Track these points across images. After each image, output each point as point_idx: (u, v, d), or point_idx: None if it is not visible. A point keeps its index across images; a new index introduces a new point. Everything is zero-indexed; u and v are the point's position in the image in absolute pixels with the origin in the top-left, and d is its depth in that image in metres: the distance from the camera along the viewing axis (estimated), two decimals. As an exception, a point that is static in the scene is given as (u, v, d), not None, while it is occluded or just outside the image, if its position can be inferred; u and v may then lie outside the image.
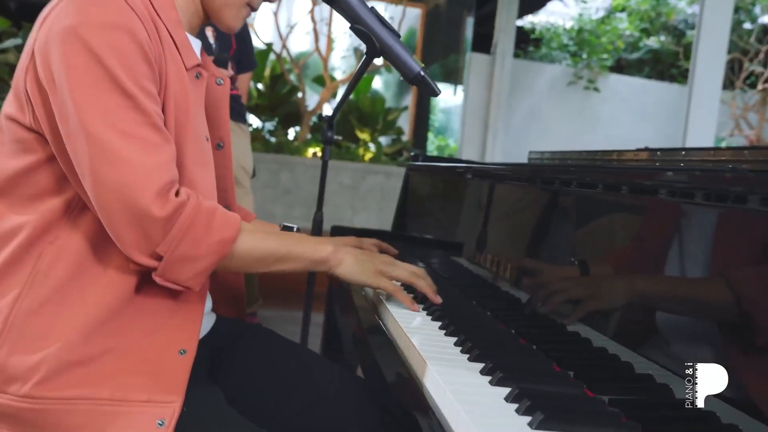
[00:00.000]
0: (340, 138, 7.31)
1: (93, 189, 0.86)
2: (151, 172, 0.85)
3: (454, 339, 0.88)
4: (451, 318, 0.96)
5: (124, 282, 0.91)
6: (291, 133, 7.43)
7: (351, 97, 7.89)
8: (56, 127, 0.89)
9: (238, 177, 2.62)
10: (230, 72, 2.24)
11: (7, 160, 0.94)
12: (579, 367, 0.79)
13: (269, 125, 7.52)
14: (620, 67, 8.63)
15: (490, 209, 1.39)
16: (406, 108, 7.73)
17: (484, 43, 7.47)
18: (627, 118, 7.65)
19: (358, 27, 1.01)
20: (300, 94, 7.04)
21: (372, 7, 1.04)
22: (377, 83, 8.56)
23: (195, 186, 0.97)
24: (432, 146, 9.43)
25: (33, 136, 0.93)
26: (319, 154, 6.42)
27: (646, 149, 2.05)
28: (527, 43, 8.70)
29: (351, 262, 1.00)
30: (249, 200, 2.72)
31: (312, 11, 6.55)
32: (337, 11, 1.03)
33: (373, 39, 1.01)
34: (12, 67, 2.58)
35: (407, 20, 7.64)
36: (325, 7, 6.74)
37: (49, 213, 0.92)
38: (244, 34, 2.66)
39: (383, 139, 7.71)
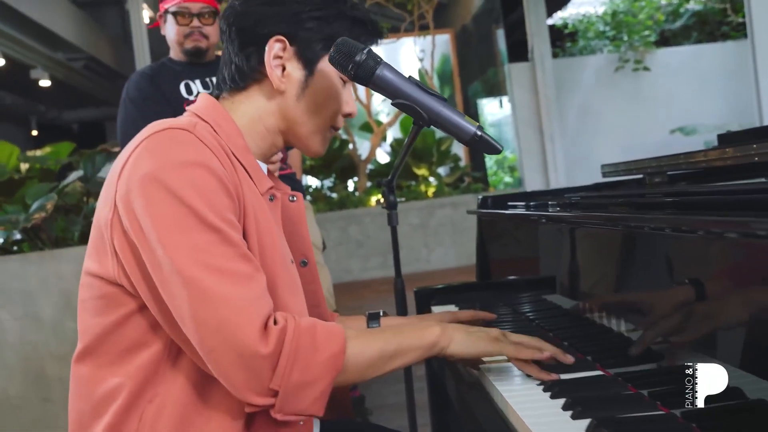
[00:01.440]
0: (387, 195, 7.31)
1: (196, 333, 0.83)
2: (251, 306, 0.83)
3: (585, 423, 0.78)
4: (574, 395, 0.86)
5: (232, 425, 0.87)
6: (350, 185, 7.48)
7: (400, 135, 7.90)
8: (149, 277, 0.87)
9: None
10: (279, 155, 2.24)
11: (93, 319, 0.93)
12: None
13: (327, 182, 7.60)
14: (665, 39, 8.29)
15: (575, 249, 1.30)
16: (456, 134, 7.64)
17: (519, 51, 7.34)
18: (685, 89, 7.29)
19: (401, 102, 0.95)
20: (351, 146, 7.10)
21: (410, 76, 0.97)
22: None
23: (288, 312, 0.93)
24: (490, 161, 9.29)
25: (118, 290, 0.91)
26: (382, 200, 6.40)
27: (728, 135, 1.88)
28: (562, 40, 8.50)
29: (463, 337, 0.94)
30: (325, 273, 2.68)
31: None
32: (375, 90, 0.97)
33: (419, 110, 0.95)
34: (79, 195, 2.68)
35: (438, 47, 7.62)
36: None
37: (144, 368, 0.89)
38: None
39: (441, 170, 7.65)
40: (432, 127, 0.97)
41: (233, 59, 1.03)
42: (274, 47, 0.98)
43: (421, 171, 7.29)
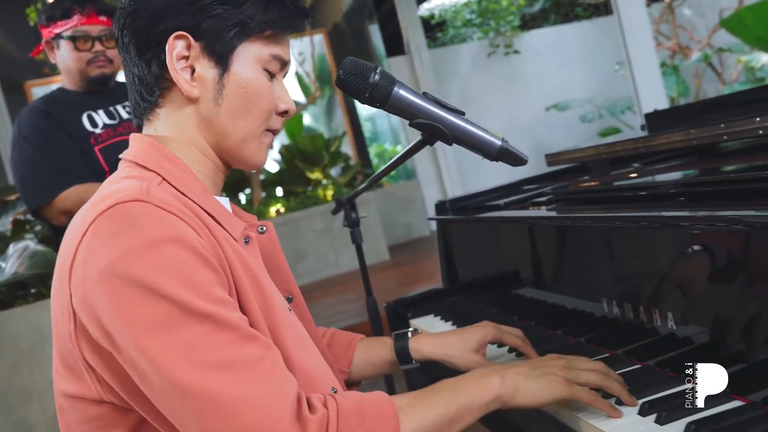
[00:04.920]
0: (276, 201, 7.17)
1: None
2: (273, 398, 0.69)
3: (680, 427, 0.77)
4: (657, 404, 0.84)
5: None
6: (242, 198, 7.23)
7: (288, 141, 7.74)
8: (139, 389, 0.72)
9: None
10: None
11: None
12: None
13: (219, 198, 7.29)
14: (526, 22, 8.73)
15: (535, 243, 1.33)
16: (344, 134, 7.62)
17: (395, 44, 7.43)
18: (554, 68, 7.73)
19: (421, 121, 0.89)
20: (239, 158, 6.85)
21: (425, 93, 0.91)
22: (307, 119, 8.43)
23: (308, 374, 0.83)
24: (371, 154, 9.35)
25: (108, 409, 0.76)
26: (282, 210, 6.24)
27: (655, 114, 1.97)
28: (432, 31, 8.71)
29: (528, 385, 0.82)
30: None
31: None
32: (391, 111, 0.90)
33: (442, 129, 0.89)
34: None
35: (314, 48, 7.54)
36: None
37: None
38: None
39: (333, 172, 7.59)
40: (454, 144, 0.91)
41: (133, 71, 0.86)
42: (175, 46, 0.83)
43: (315, 175, 7.19)
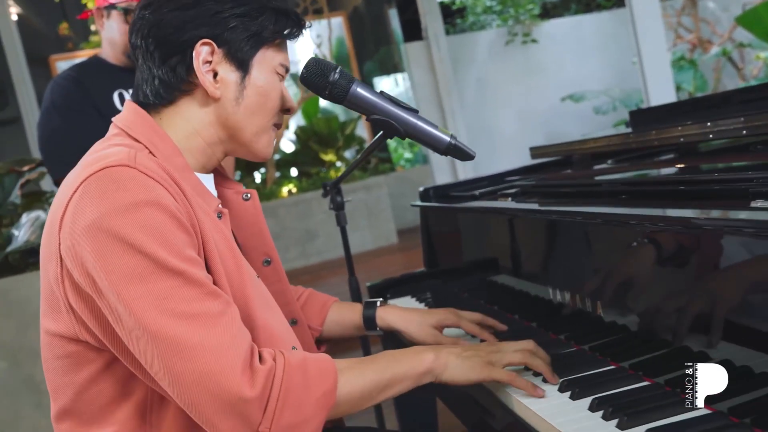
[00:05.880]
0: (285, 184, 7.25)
1: (173, 388, 0.79)
2: (228, 348, 0.79)
3: (587, 403, 0.86)
4: (576, 382, 0.93)
5: None
6: (257, 177, 7.35)
7: (304, 122, 7.83)
8: (113, 331, 0.83)
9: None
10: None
11: (62, 378, 0.88)
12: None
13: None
14: (547, 11, 8.67)
15: (499, 232, 1.39)
16: (360, 117, 7.68)
17: (413, 29, 7.44)
18: (571, 59, 7.69)
19: (377, 117, 0.98)
20: (255, 137, 6.95)
21: (381, 91, 1.00)
22: (323, 101, 8.49)
23: (270, 333, 0.93)
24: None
25: (83, 347, 0.86)
26: (294, 190, 6.36)
27: (639, 112, 2.03)
28: (453, 17, 8.70)
29: (456, 363, 0.93)
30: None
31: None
32: (350, 107, 0.99)
33: (395, 125, 0.97)
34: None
35: (333, 31, 7.58)
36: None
37: (126, 421, 0.86)
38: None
39: (348, 154, 7.68)
40: (407, 139, 1.00)
41: (156, 73, 0.97)
42: (201, 52, 0.94)
43: (328, 156, 7.28)
